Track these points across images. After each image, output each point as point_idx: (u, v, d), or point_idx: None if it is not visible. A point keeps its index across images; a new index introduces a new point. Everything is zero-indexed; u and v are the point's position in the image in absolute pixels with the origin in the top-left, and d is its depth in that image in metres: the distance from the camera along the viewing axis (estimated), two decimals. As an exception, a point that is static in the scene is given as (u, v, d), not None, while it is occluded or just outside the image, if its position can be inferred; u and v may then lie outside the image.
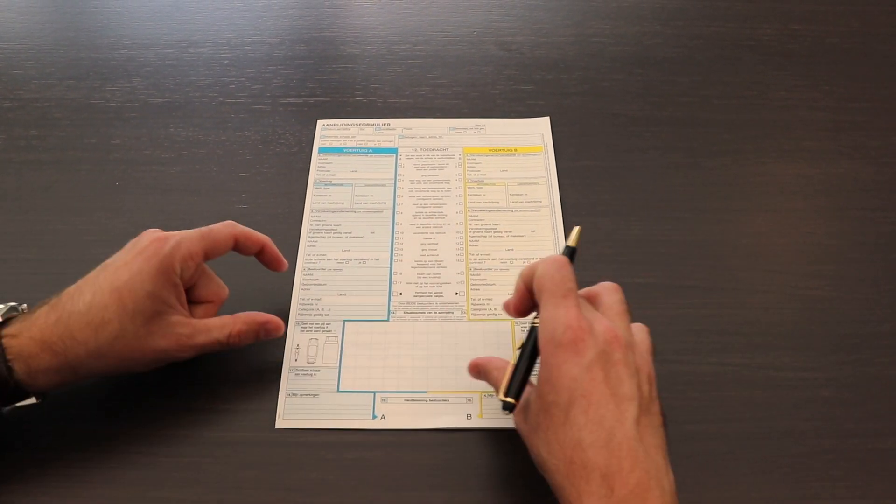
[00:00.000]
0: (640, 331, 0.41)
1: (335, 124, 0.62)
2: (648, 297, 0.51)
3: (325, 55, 0.69)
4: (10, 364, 0.40)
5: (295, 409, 0.46)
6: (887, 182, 0.58)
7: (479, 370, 0.45)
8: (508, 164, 0.59)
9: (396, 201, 0.57)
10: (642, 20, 0.71)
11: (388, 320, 0.50)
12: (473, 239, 0.55)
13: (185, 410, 0.46)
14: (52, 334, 0.40)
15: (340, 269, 0.53)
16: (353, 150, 0.60)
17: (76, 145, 0.61)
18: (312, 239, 0.55)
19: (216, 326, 0.44)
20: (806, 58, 0.68)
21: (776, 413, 0.46)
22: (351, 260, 0.53)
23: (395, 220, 0.56)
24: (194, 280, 0.46)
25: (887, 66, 0.67)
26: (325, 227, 0.55)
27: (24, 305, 0.43)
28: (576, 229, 0.44)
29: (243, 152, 0.60)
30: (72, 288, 0.42)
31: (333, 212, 0.56)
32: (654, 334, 0.49)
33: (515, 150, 0.60)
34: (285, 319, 0.50)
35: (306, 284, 0.52)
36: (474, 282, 0.52)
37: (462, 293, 0.52)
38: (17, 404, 0.42)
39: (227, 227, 0.46)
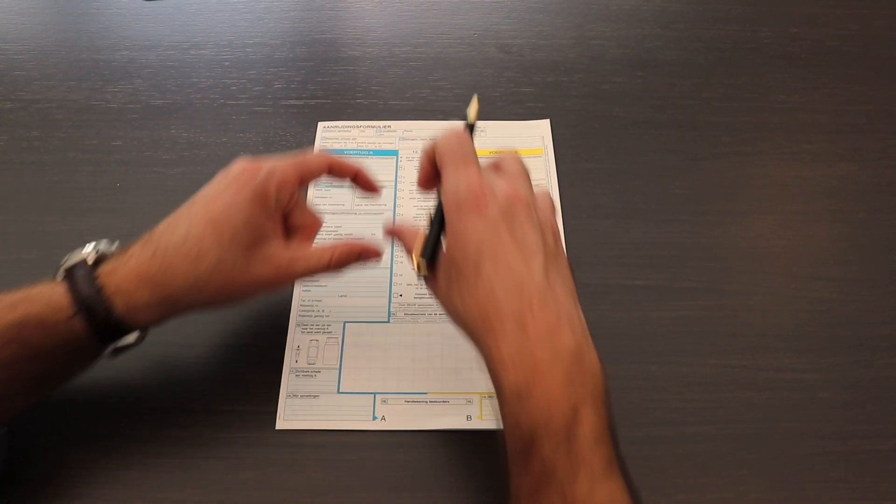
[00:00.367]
0: (541, 192, 0.42)
1: (336, 126, 0.62)
2: (649, 299, 0.51)
3: (326, 57, 0.69)
4: (109, 301, 0.39)
5: (295, 411, 0.46)
6: (887, 184, 0.58)
7: (395, 233, 0.44)
8: (509, 166, 0.59)
9: (397, 203, 0.57)
10: (643, 23, 0.71)
11: (388, 322, 0.50)
12: (474, 240, 0.55)
13: (185, 411, 0.46)
14: (149, 268, 0.40)
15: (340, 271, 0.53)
16: (354, 151, 0.60)
17: (77, 146, 0.61)
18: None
19: (315, 254, 0.44)
20: (806, 61, 0.68)
21: (776, 414, 0.46)
22: (352, 261, 0.54)
23: (396, 223, 0.56)
24: (289, 208, 0.45)
25: (887, 69, 0.67)
26: (325, 229, 0.55)
27: (116, 243, 0.43)
28: (474, 103, 0.44)
29: (244, 154, 0.60)
30: (164, 223, 0.42)
31: (334, 213, 0.56)
32: (654, 336, 0.50)
33: (516, 152, 0.60)
34: (286, 322, 0.50)
35: (307, 286, 0.52)
36: (475, 283, 0.52)
37: (463, 295, 0.52)
38: (118, 343, 0.41)
39: (320, 154, 0.46)
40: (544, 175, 0.58)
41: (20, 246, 0.54)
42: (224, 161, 0.59)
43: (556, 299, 0.36)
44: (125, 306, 0.39)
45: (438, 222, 0.40)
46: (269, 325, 0.50)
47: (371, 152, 0.60)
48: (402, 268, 0.53)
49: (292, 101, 0.65)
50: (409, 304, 0.51)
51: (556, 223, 0.41)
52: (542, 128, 0.62)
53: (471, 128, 0.43)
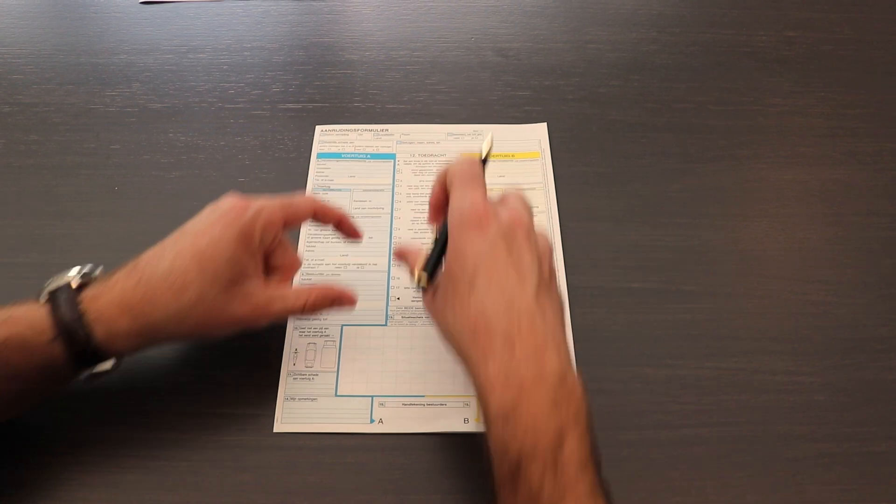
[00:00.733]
0: (541, 232, 0.42)
1: (334, 130, 0.63)
2: (645, 302, 0.51)
3: (323, 61, 0.69)
4: (89, 327, 0.39)
5: (293, 414, 0.46)
6: (882, 187, 0.59)
7: (400, 255, 0.46)
8: (506, 169, 0.60)
9: (395, 206, 0.57)
10: (639, 27, 0.72)
11: (385, 325, 0.51)
12: (471, 244, 0.55)
13: (183, 414, 0.46)
14: (132, 297, 0.40)
15: (338, 275, 0.53)
16: (352, 155, 0.61)
17: (75, 150, 0.61)
18: (311, 244, 0.55)
19: (292, 295, 0.44)
20: (801, 65, 0.68)
21: (772, 417, 0.46)
22: (349, 265, 0.54)
23: (393, 226, 0.56)
24: (272, 248, 0.45)
25: (881, 72, 0.68)
26: (323, 232, 0.55)
27: (101, 267, 0.43)
28: (488, 139, 0.46)
29: (242, 157, 0.61)
30: (150, 252, 0.42)
31: (332, 216, 0.56)
32: (650, 338, 0.50)
33: (513, 155, 0.61)
34: (284, 325, 0.50)
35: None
36: (472, 286, 0.52)
37: (460, 298, 0.52)
38: (94, 369, 0.41)
39: (307, 199, 0.47)
40: (541, 178, 0.59)
41: (18, 249, 0.54)
42: (222, 164, 0.60)
43: (545, 320, 0.37)
44: (105, 333, 0.40)
45: (443, 241, 0.41)
46: (266, 329, 0.50)
47: (368, 156, 0.61)
48: (399, 271, 0.53)
49: (290, 105, 0.65)
50: (406, 308, 0.51)
51: (553, 262, 0.42)
52: (539, 131, 0.62)
53: (483, 161, 0.45)
